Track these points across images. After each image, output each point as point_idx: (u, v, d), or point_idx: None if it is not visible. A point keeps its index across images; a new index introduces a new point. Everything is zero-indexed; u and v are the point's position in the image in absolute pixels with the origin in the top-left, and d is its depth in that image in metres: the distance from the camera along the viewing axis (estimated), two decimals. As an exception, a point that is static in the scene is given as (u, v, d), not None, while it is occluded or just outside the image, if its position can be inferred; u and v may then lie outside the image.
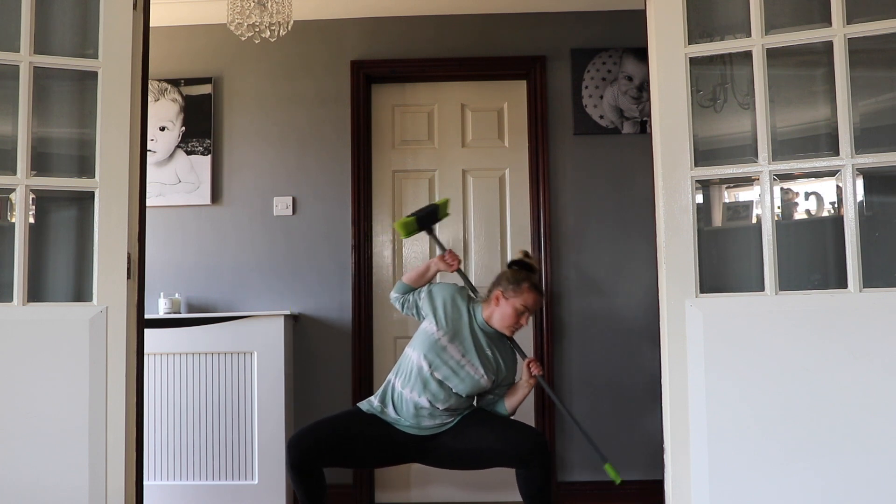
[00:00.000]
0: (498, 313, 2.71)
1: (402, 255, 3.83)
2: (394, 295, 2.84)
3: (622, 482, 2.69)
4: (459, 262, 2.84)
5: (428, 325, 2.74)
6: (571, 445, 3.67)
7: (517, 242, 3.81)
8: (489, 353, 2.73)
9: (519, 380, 2.82)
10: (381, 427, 2.72)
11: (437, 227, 3.01)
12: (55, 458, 2.13)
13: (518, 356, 2.83)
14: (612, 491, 3.63)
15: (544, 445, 2.66)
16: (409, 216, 2.91)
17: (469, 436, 2.70)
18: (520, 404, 2.82)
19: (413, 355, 2.72)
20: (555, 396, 2.87)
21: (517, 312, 2.69)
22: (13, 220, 2.21)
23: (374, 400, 2.78)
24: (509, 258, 3.82)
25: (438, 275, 2.91)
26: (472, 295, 2.87)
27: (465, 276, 2.92)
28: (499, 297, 2.72)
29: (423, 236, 3.25)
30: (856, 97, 2.12)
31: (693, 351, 2.15)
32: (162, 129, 3.81)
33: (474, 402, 2.80)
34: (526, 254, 2.96)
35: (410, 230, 2.90)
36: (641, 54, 3.66)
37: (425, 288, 2.81)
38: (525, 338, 3.75)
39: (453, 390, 2.68)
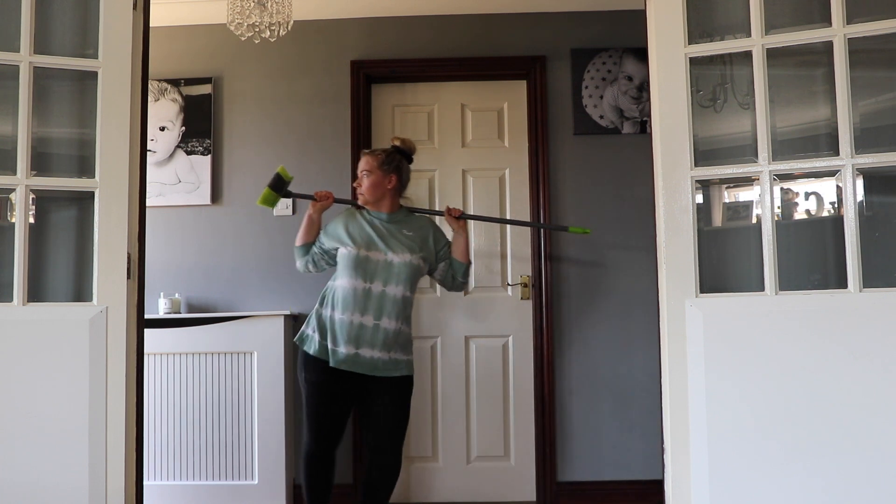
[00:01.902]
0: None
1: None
2: (299, 263, 2.94)
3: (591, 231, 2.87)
4: (330, 193, 2.91)
5: (343, 251, 2.78)
6: (571, 445, 3.67)
7: (517, 242, 3.81)
8: (405, 233, 2.81)
9: (452, 234, 2.93)
10: (334, 377, 2.72)
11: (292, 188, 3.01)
12: (55, 458, 2.13)
13: (433, 218, 2.98)
14: (612, 491, 3.64)
15: (396, 462, 2.78)
16: (264, 190, 2.90)
17: (376, 403, 2.74)
18: (467, 249, 2.92)
19: (343, 282, 2.73)
20: (482, 217, 3.16)
21: (359, 180, 2.86)
22: (13, 220, 2.21)
23: (313, 335, 2.75)
24: (509, 258, 3.82)
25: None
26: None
27: (345, 200, 3.00)
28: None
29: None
30: (856, 97, 2.12)
31: (693, 351, 2.15)
32: (162, 129, 3.81)
33: (409, 300, 2.79)
34: (399, 139, 2.97)
35: (272, 199, 2.90)
36: (641, 54, 3.66)
37: (320, 232, 2.90)
38: (525, 337, 3.76)
39: (395, 293, 2.71)
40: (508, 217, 3.81)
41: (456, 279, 2.93)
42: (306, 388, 2.77)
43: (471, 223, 3.83)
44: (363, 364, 2.70)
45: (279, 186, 2.92)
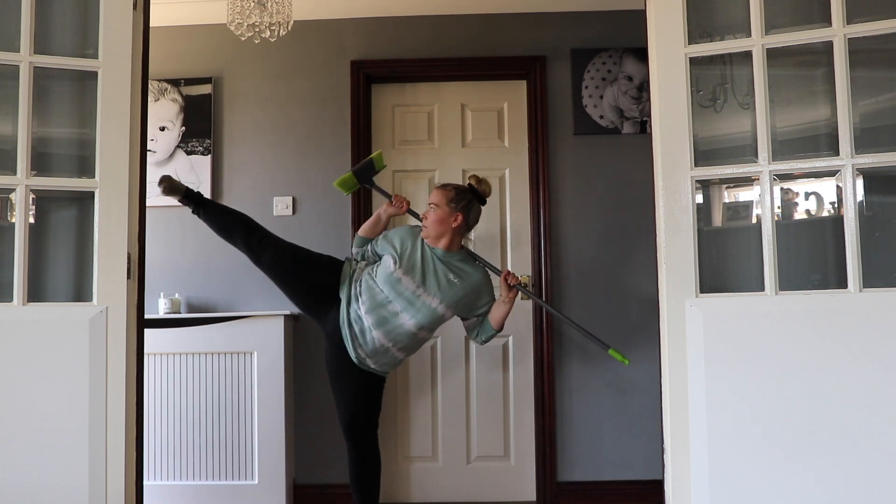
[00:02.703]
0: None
1: (402, 255, 3.82)
2: (354, 249, 2.97)
3: (629, 363, 2.80)
4: (408, 202, 2.93)
5: (387, 258, 2.80)
6: (571, 445, 3.67)
7: (517, 242, 3.81)
8: (450, 279, 2.77)
9: (499, 297, 2.84)
10: (350, 362, 2.82)
11: (377, 179, 3.07)
12: (55, 458, 2.13)
13: (491, 273, 2.89)
14: (612, 491, 3.64)
15: (366, 435, 2.88)
16: (346, 173, 2.98)
17: (361, 390, 2.84)
18: (505, 319, 2.84)
19: (381, 283, 2.77)
20: (541, 301, 3.02)
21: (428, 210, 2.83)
22: (13, 220, 2.21)
23: (361, 305, 2.79)
24: (510, 258, 3.82)
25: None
26: None
27: (416, 215, 2.97)
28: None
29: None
30: (856, 97, 2.12)
31: (693, 351, 2.15)
32: (162, 129, 3.81)
33: (422, 339, 2.85)
34: (477, 179, 2.93)
35: (350, 185, 2.99)
36: (641, 54, 3.66)
37: (380, 235, 2.92)
38: (525, 337, 3.76)
39: (409, 324, 2.73)
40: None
41: (479, 337, 2.88)
42: (330, 376, 2.90)
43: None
44: (359, 359, 2.81)
45: (365, 174, 2.96)
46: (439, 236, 2.80)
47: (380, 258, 2.87)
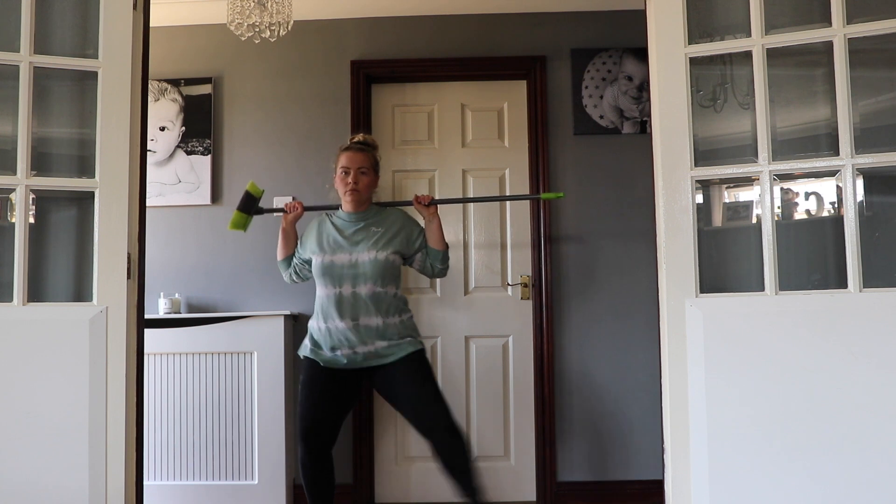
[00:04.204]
0: (337, 188, 2.84)
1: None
2: (284, 276, 2.97)
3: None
4: (300, 203, 2.89)
5: (313, 260, 2.79)
6: (571, 445, 3.67)
7: (517, 242, 3.81)
8: (372, 230, 2.78)
9: (424, 222, 2.88)
10: (330, 373, 2.74)
11: (263, 204, 3.01)
12: (55, 458, 2.13)
13: (404, 209, 2.92)
14: (612, 491, 3.64)
15: (452, 432, 2.68)
16: (234, 213, 2.91)
17: (407, 386, 2.72)
18: (441, 234, 2.85)
19: (318, 291, 2.78)
20: (456, 200, 3.10)
21: (343, 175, 2.80)
22: (13, 220, 2.21)
23: (307, 345, 2.80)
24: (510, 258, 3.82)
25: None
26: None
27: (316, 207, 2.98)
28: (334, 177, 2.85)
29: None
30: (856, 97, 2.12)
31: (693, 351, 2.15)
32: (162, 129, 3.81)
33: (390, 291, 2.77)
34: (362, 135, 2.98)
35: (242, 221, 2.92)
36: (641, 54, 3.66)
37: (298, 243, 2.92)
38: (524, 337, 3.76)
39: (366, 293, 2.69)
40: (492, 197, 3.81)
41: (435, 267, 2.88)
42: (299, 389, 2.80)
43: (471, 224, 3.84)
44: (356, 360, 2.73)
45: (249, 206, 2.92)
46: (369, 199, 2.84)
47: (305, 263, 2.88)
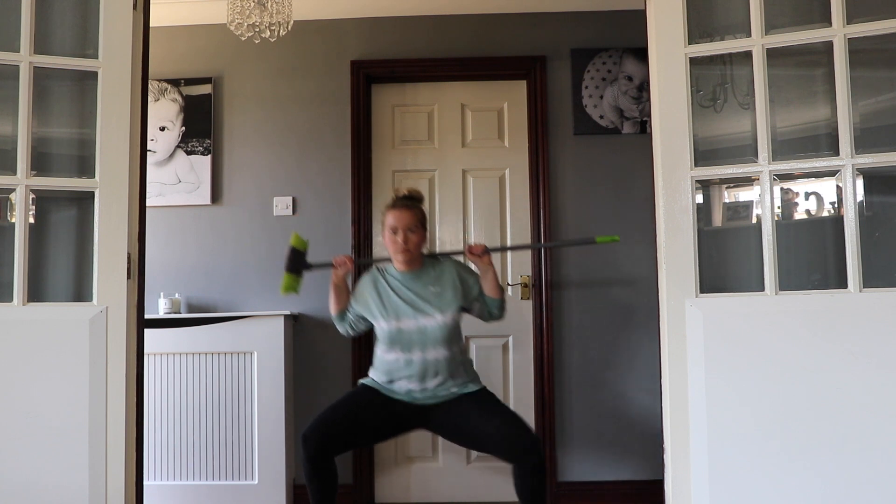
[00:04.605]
0: (386, 246, 2.77)
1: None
2: (340, 329, 2.86)
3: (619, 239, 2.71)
4: (349, 257, 2.78)
5: (376, 324, 2.73)
6: (571, 445, 3.67)
7: (517, 242, 3.81)
8: (431, 290, 2.72)
9: (479, 272, 2.81)
10: (383, 400, 2.70)
11: (309, 258, 2.87)
12: (55, 457, 2.13)
13: (456, 259, 2.85)
14: (612, 491, 3.64)
15: (537, 448, 2.61)
16: (284, 275, 2.78)
17: (471, 418, 2.67)
18: (497, 282, 2.78)
19: (385, 355, 2.71)
20: (508, 247, 2.88)
21: (392, 235, 2.72)
22: (13, 220, 2.21)
23: (375, 375, 2.77)
24: (510, 258, 3.82)
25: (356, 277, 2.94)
26: (382, 264, 2.87)
27: (365, 261, 2.91)
28: (383, 235, 2.77)
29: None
30: (856, 97, 2.12)
31: (693, 351, 2.15)
32: (162, 129, 3.81)
33: (456, 350, 2.74)
34: (407, 189, 2.87)
35: (294, 283, 2.79)
36: (641, 54, 3.66)
37: (352, 298, 2.82)
38: (524, 337, 3.76)
39: (436, 356, 2.65)
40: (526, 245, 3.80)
41: (493, 313, 2.82)
42: (343, 395, 2.78)
43: (471, 224, 3.84)
44: (417, 399, 2.71)
45: (298, 265, 2.79)
46: (420, 255, 2.76)
47: (361, 319, 2.80)
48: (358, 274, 3.31)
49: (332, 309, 2.83)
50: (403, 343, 2.68)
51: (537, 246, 2.68)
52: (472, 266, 2.89)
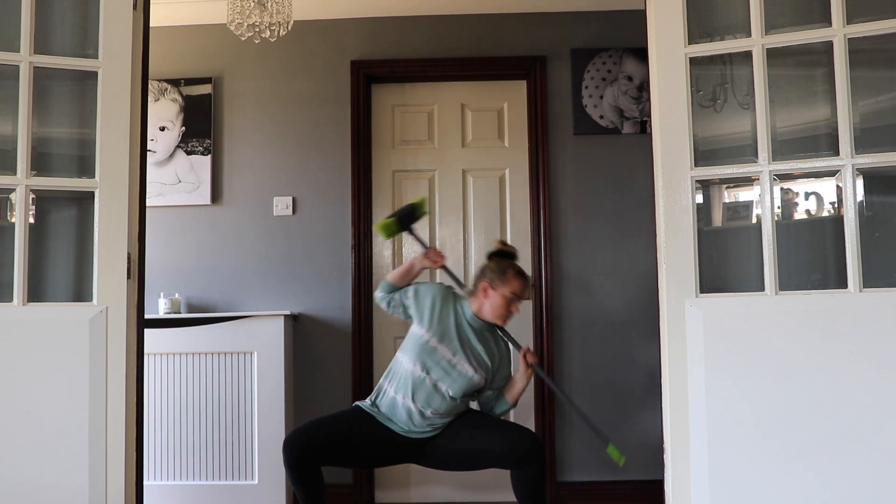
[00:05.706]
0: (488, 305, 2.72)
1: (402, 255, 3.82)
2: (379, 294, 2.82)
3: (625, 464, 2.69)
4: (444, 258, 2.83)
5: (417, 328, 2.72)
6: (571, 445, 3.67)
7: (517, 242, 3.80)
8: (479, 348, 2.72)
9: (516, 372, 2.81)
10: (378, 428, 2.70)
11: (418, 225, 2.95)
12: (55, 458, 2.13)
13: (512, 347, 2.83)
14: (612, 491, 3.64)
15: (540, 446, 2.64)
16: (388, 217, 2.88)
17: (464, 437, 2.68)
18: (520, 395, 2.81)
19: (405, 360, 2.71)
20: (553, 384, 2.84)
21: (507, 301, 2.71)
22: (13, 220, 2.21)
23: (368, 401, 2.78)
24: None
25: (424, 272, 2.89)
26: (459, 291, 2.86)
27: (450, 273, 2.91)
28: (486, 289, 2.72)
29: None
30: (856, 97, 2.12)
31: (693, 351, 2.15)
32: (162, 129, 3.81)
33: (470, 404, 2.79)
34: (503, 243, 2.93)
35: (391, 231, 2.86)
36: (641, 54, 3.66)
37: (411, 288, 2.78)
38: (524, 338, 3.76)
39: (447, 392, 2.66)
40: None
41: (494, 411, 2.82)
42: (345, 409, 2.77)
43: (471, 224, 3.84)
44: (411, 432, 2.70)
45: (406, 220, 2.84)
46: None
47: (404, 309, 2.77)
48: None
49: (391, 278, 2.79)
50: (429, 362, 2.67)
51: (566, 396, 2.80)
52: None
